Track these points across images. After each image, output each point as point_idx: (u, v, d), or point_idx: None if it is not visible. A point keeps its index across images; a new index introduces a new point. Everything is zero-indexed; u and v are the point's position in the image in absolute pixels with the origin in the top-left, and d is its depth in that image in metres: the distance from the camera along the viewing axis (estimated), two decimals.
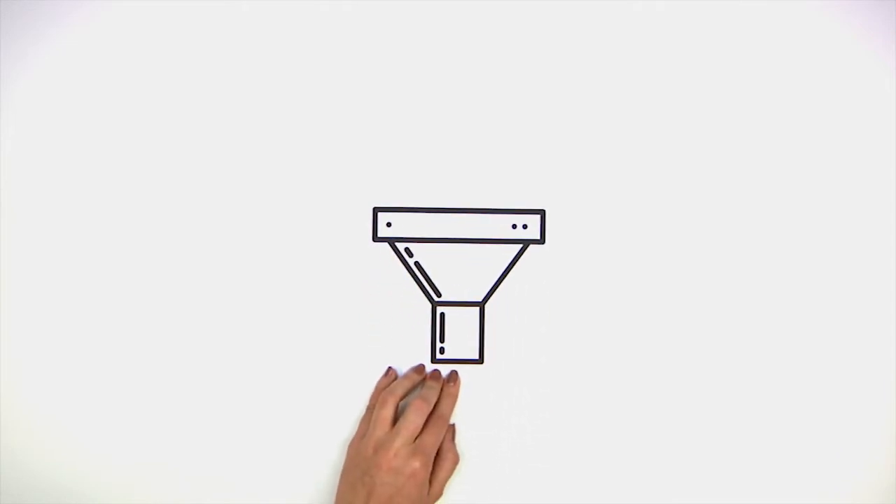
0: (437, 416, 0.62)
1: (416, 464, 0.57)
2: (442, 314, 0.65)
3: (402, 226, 0.65)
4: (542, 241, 0.65)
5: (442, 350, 0.65)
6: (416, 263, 0.65)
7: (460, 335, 0.65)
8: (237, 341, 0.65)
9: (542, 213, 0.65)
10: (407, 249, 0.65)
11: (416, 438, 0.59)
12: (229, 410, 0.65)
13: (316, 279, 0.65)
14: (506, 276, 0.65)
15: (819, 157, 0.65)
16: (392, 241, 0.65)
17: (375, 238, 0.65)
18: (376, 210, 0.65)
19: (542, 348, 0.65)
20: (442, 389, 0.64)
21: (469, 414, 0.65)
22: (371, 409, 0.64)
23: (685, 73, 0.65)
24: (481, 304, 0.65)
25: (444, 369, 0.65)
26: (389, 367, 0.65)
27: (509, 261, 0.65)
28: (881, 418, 0.65)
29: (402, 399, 0.62)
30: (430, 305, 0.65)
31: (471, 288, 0.65)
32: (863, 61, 0.65)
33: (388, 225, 0.65)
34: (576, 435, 0.65)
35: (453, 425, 0.65)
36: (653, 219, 0.65)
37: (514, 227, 0.65)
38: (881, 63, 0.65)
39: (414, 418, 0.59)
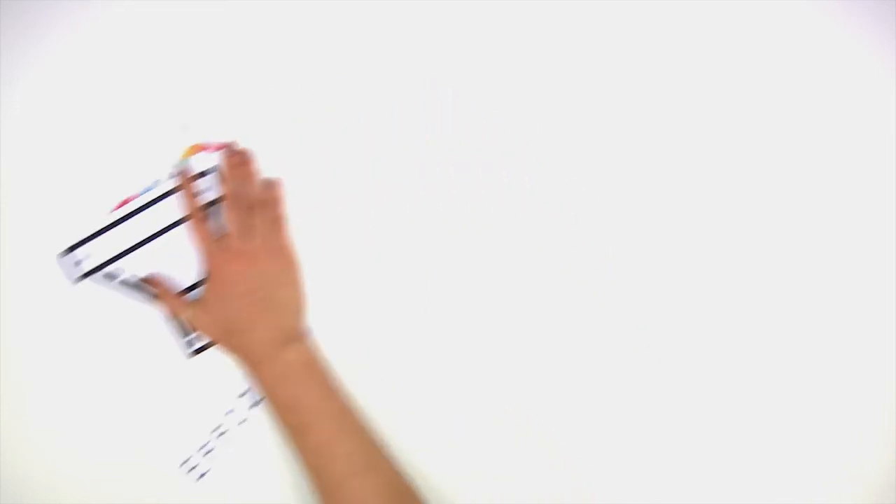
0: None
1: None
2: None
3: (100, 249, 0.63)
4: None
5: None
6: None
7: None
8: None
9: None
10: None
11: None
12: (229, 411, 0.65)
13: None
14: None
15: (819, 157, 0.65)
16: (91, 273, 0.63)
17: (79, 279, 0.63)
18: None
19: (533, 348, 0.65)
20: None
21: (461, 415, 0.65)
22: None
23: (685, 73, 0.65)
24: None
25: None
26: None
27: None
28: (881, 418, 0.65)
29: None
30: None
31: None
32: (863, 61, 0.65)
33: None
34: (579, 436, 0.65)
35: None
36: (654, 218, 0.65)
37: None
38: (881, 63, 0.65)
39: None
